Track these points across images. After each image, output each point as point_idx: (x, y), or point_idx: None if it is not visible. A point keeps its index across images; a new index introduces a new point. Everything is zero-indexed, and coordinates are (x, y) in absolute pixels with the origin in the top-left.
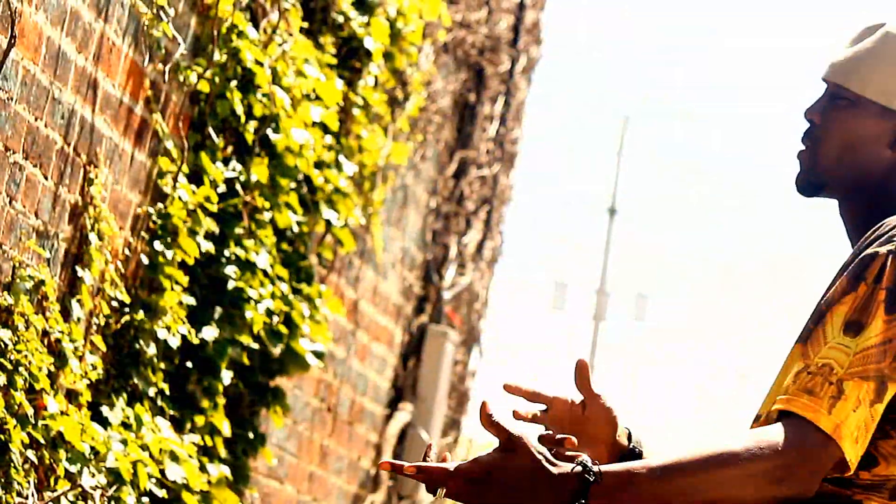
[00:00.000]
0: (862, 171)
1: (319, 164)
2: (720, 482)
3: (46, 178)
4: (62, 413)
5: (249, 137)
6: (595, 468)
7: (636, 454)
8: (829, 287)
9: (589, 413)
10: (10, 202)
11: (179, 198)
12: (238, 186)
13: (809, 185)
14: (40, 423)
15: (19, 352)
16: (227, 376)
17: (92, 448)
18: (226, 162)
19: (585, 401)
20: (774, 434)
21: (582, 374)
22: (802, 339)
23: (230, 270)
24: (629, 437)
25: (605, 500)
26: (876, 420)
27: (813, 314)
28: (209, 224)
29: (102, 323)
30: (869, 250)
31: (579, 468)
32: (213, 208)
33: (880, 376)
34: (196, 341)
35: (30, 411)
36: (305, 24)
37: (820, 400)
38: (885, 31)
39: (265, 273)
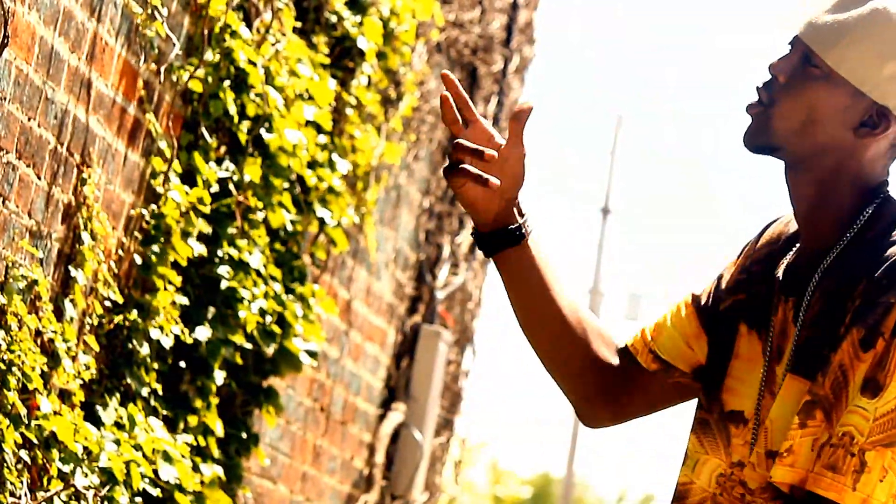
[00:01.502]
0: (820, 148)
1: (313, 164)
2: None
3: (39, 178)
4: (55, 413)
5: (242, 137)
6: None
7: (518, 235)
8: (829, 308)
9: (504, 156)
10: (4, 202)
11: (172, 198)
12: (231, 186)
13: (761, 145)
14: (33, 423)
15: (12, 352)
16: (220, 376)
17: (85, 448)
18: (219, 162)
19: (509, 144)
20: None
21: (521, 116)
22: (802, 373)
23: (223, 270)
24: (520, 213)
25: None
26: None
27: (812, 348)
28: (202, 225)
29: (95, 323)
30: (881, 297)
31: None
32: (206, 210)
33: None
34: (189, 341)
35: (23, 411)
36: (298, 24)
37: (843, 476)
38: (875, 6)
39: (258, 273)
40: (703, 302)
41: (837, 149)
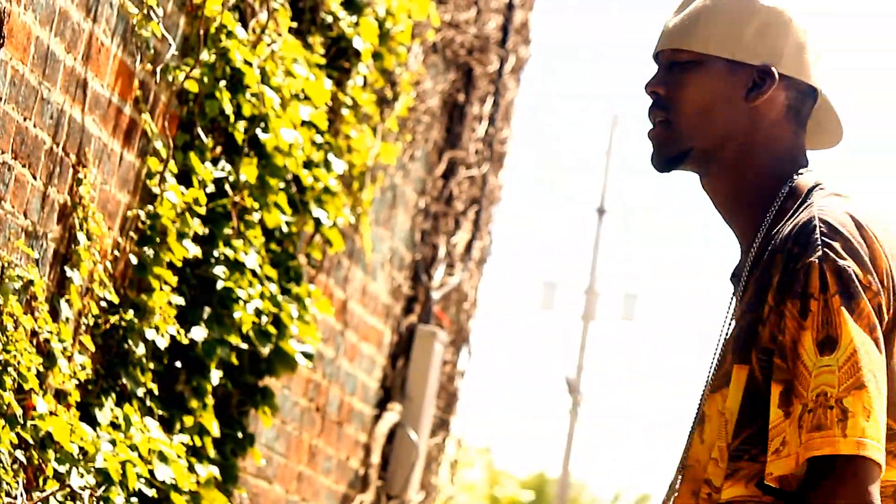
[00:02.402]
0: (724, 129)
1: (308, 164)
2: None
3: (35, 178)
4: (51, 413)
5: (238, 137)
6: None
7: None
8: (757, 291)
9: None
10: None
11: (168, 199)
12: (227, 186)
13: (674, 154)
14: (29, 423)
15: (8, 352)
16: (215, 376)
17: (81, 448)
18: (215, 162)
19: None
20: (818, 497)
21: None
22: (743, 360)
23: (219, 271)
24: None
25: None
26: None
27: (748, 334)
28: (198, 225)
29: (91, 323)
30: (798, 264)
31: None
32: (202, 211)
33: (872, 372)
34: (185, 341)
35: (19, 411)
36: (294, 24)
37: (830, 430)
38: None
39: (254, 273)
40: None
41: (740, 122)
